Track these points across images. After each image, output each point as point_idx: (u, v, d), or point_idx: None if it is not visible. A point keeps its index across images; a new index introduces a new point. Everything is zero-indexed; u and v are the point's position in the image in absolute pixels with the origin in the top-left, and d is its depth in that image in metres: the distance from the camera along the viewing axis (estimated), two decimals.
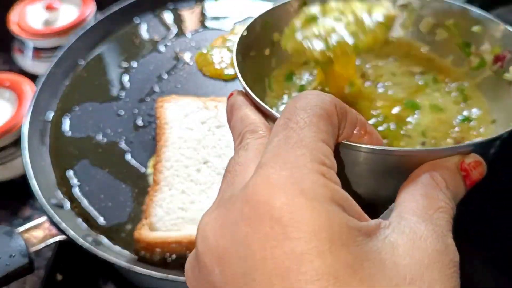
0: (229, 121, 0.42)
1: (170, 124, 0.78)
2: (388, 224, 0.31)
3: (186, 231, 0.66)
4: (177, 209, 0.69)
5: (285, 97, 0.52)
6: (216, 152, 0.75)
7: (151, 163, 0.76)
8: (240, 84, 0.43)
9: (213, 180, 0.72)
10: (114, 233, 0.69)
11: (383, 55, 0.55)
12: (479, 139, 0.45)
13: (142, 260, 0.66)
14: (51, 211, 0.68)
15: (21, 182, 0.92)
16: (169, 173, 0.72)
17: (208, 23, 0.99)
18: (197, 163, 0.74)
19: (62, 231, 0.67)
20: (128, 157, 0.78)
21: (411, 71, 0.54)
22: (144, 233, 0.66)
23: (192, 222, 0.67)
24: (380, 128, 0.47)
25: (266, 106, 0.40)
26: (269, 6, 0.51)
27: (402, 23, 0.55)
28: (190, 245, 0.65)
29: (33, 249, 0.65)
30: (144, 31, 0.97)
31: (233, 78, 0.88)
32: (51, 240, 0.66)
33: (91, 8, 1.07)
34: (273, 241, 0.28)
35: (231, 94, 0.44)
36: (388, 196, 0.36)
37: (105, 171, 0.76)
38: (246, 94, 0.42)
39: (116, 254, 0.66)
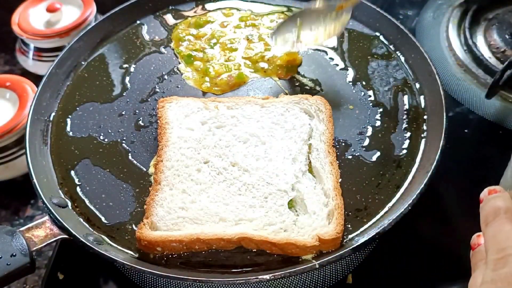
0: (487, 222, 0.44)
1: (171, 124, 0.78)
2: None
3: (186, 230, 0.67)
4: (178, 208, 0.69)
5: None
6: (216, 152, 0.75)
7: (153, 162, 0.76)
8: None
9: (213, 180, 0.72)
10: (115, 232, 0.70)
11: None
12: None
13: (143, 259, 0.66)
14: (53, 211, 0.68)
15: (23, 181, 0.93)
16: (170, 172, 0.73)
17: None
18: (198, 163, 0.74)
19: (63, 231, 0.67)
20: (130, 157, 0.78)
21: None
22: (145, 232, 0.66)
23: (192, 222, 0.68)
24: None
25: None
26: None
27: None
28: (190, 244, 0.65)
29: (34, 248, 0.65)
30: (145, 32, 0.97)
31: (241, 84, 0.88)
32: (52, 240, 0.67)
33: (92, 9, 1.08)
34: None
35: (494, 191, 0.46)
36: None
37: (106, 171, 0.76)
38: None
39: (118, 253, 0.67)
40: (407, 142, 0.77)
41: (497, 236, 0.43)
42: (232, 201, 0.69)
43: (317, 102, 0.80)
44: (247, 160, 0.73)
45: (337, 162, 0.74)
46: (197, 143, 0.76)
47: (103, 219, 0.71)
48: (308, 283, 0.72)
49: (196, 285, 0.69)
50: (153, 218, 0.68)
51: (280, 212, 0.68)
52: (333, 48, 0.92)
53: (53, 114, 0.84)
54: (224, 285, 0.65)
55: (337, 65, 0.89)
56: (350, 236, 0.67)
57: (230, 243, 0.66)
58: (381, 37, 0.93)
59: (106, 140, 0.80)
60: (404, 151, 0.76)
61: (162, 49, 0.94)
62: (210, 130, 0.78)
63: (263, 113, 0.79)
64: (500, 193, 0.46)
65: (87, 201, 0.73)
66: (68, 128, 0.82)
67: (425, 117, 0.80)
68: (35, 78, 0.97)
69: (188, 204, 0.70)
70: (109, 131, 0.81)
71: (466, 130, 0.91)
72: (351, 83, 0.86)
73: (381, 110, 0.82)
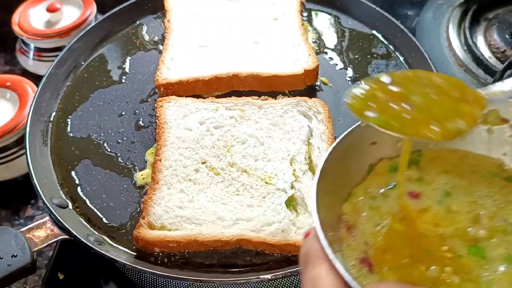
0: (303, 269, 0.41)
1: (169, 124, 0.78)
2: None
3: (184, 230, 0.67)
4: (175, 207, 0.69)
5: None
6: (214, 152, 0.75)
7: (148, 152, 0.77)
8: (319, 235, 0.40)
9: (211, 180, 0.72)
10: (115, 232, 0.70)
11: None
12: None
13: (144, 259, 0.66)
14: (53, 211, 0.68)
15: (23, 181, 0.93)
16: (168, 172, 0.73)
17: None
18: (196, 163, 0.74)
19: (64, 231, 0.67)
20: (130, 157, 0.78)
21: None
22: (143, 232, 0.66)
23: (190, 221, 0.68)
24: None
25: (346, 276, 0.38)
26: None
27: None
28: (188, 245, 0.65)
29: (35, 249, 0.65)
30: (144, 32, 0.97)
31: None
32: (53, 240, 0.67)
33: (92, 9, 1.08)
34: None
35: (308, 234, 0.42)
36: None
37: (106, 171, 0.76)
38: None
39: (118, 253, 0.67)
40: None
41: (307, 283, 0.40)
42: (230, 201, 0.69)
43: (316, 104, 0.80)
44: (245, 160, 0.73)
45: None
46: (195, 143, 0.76)
47: (103, 219, 0.71)
48: None
49: (196, 285, 0.69)
50: (150, 217, 0.68)
51: (278, 211, 0.68)
52: (332, 48, 0.92)
53: (53, 114, 0.84)
54: (225, 285, 0.65)
55: (337, 64, 0.89)
56: None
57: (228, 245, 0.66)
58: (381, 37, 0.93)
59: (106, 140, 0.80)
60: None
61: (162, 49, 0.93)
62: (208, 130, 0.78)
63: (261, 114, 0.79)
64: (313, 234, 0.43)
65: (87, 202, 0.73)
66: (68, 129, 0.82)
67: None
68: (35, 78, 0.97)
69: (186, 203, 0.70)
70: (109, 131, 0.81)
71: None
72: (350, 83, 0.86)
73: None
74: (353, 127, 0.50)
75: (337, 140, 0.49)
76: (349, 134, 0.49)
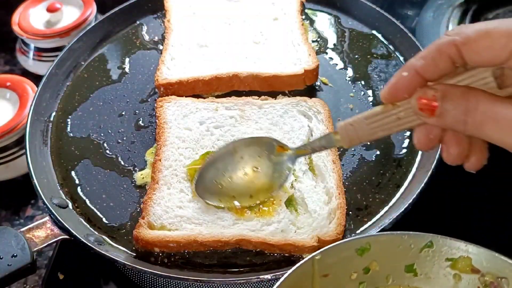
0: None
1: (169, 124, 0.78)
2: None
3: (184, 230, 0.67)
4: (175, 207, 0.69)
5: None
6: None
7: (148, 152, 0.77)
8: None
9: None
10: (116, 232, 0.70)
11: None
12: None
13: (144, 259, 0.66)
14: (53, 211, 0.68)
15: (23, 181, 0.93)
16: (168, 172, 0.73)
17: None
18: None
19: (64, 231, 0.67)
20: (130, 157, 0.78)
21: None
22: (143, 231, 0.66)
23: (190, 221, 0.68)
24: None
25: None
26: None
27: None
28: (188, 245, 0.65)
29: (35, 249, 0.65)
30: (144, 32, 0.97)
31: None
32: (53, 240, 0.67)
33: (92, 9, 1.08)
34: None
35: None
36: None
37: (106, 171, 0.76)
38: None
39: (118, 253, 0.67)
40: (407, 141, 0.77)
41: None
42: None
43: (316, 104, 0.80)
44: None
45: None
46: (195, 143, 0.76)
47: (103, 219, 0.71)
48: None
49: (196, 285, 0.69)
50: (150, 217, 0.68)
51: (277, 211, 0.68)
52: (332, 48, 0.92)
53: (53, 114, 0.84)
54: (225, 285, 0.65)
55: (337, 64, 0.89)
56: (350, 236, 0.67)
57: (228, 245, 0.66)
58: (381, 37, 0.93)
59: (106, 140, 0.80)
60: (404, 150, 0.76)
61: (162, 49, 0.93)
62: (208, 130, 0.78)
63: (261, 114, 0.79)
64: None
65: (87, 202, 0.73)
66: (68, 129, 0.82)
67: None
68: (35, 78, 0.97)
69: (186, 203, 0.70)
70: (109, 131, 0.81)
71: None
72: (350, 83, 0.86)
73: None
74: (301, 262, 0.52)
75: (282, 278, 0.49)
76: (295, 270, 0.50)
